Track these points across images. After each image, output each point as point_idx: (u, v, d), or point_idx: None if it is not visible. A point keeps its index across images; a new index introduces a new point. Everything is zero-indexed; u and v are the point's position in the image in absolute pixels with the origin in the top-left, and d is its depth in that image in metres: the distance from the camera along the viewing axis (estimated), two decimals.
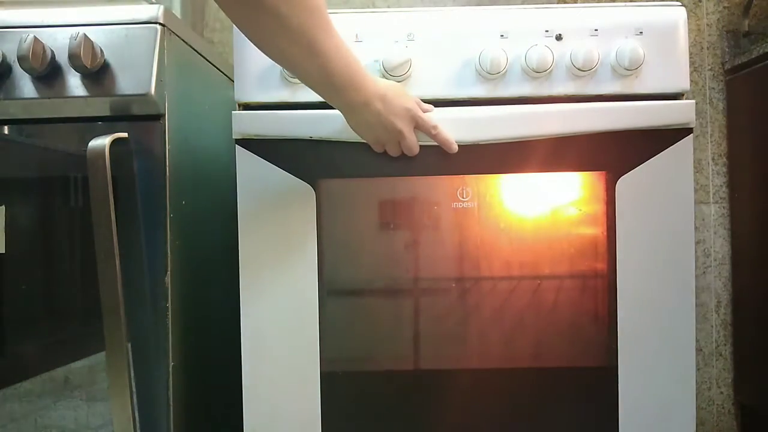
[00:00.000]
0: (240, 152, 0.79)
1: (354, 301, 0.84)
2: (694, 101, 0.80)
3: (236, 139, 0.79)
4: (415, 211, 0.82)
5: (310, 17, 0.61)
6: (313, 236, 0.80)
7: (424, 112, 0.76)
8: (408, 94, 0.74)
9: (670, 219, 0.79)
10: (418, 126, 0.75)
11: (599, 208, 0.81)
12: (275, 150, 0.79)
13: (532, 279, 0.82)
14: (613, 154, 0.79)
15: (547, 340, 0.82)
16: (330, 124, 0.77)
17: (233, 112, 0.79)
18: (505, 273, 0.83)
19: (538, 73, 0.78)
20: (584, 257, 0.82)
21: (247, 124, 0.79)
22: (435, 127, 0.75)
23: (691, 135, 0.79)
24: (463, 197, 0.81)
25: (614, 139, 0.79)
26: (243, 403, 0.80)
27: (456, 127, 0.77)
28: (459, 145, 0.77)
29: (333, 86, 0.66)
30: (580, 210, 0.82)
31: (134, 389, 0.76)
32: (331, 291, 0.81)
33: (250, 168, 0.79)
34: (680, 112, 0.79)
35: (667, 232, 0.79)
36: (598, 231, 0.81)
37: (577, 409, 0.81)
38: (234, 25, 0.79)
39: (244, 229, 0.80)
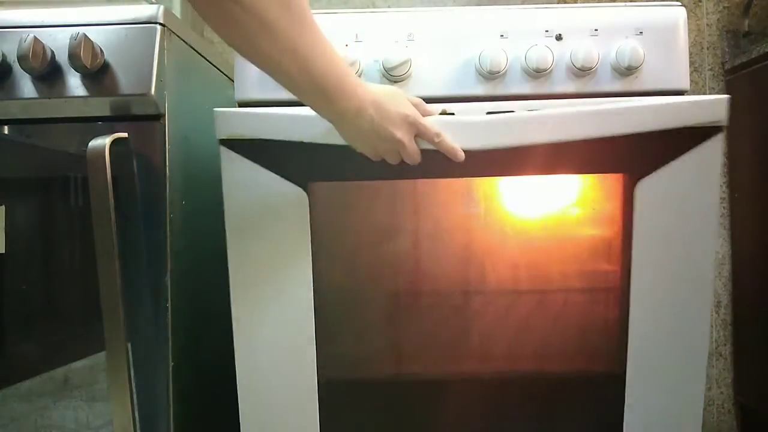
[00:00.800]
0: (225, 154, 0.74)
1: (351, 310, 0.81)
2: (727, 96, 0.72)
3: (220, 140, 0.74)
4: (416, 217, 0.80)
5: (292, 18, 0.56)
6: (306, 243, 0.76)
7: (425, 115, 0.70)
8: (405, 99, 0.68)
9: (692, 225, 0.75)
10: (419, 134, 0.69)
11: (616, 212, 0.77)
12: (263, 151, 0.74)
13: (540, 287, 0.80)
14: (633, 155, 0.74)
15: (555, 345, 0.80)
16: (322, 124, 0.72)
17: (215, 109, 0.75)
18: (512, 281, 0.80)
19: (538, 73, 0.78)
20: (598, 262, 0.80)
21: (231, 123, 0.74)
22: (438, 135, 0.69)
23: (722, 134, 0.73)
24: (468, 201, 0.79)
25: (635, 140, 0.73)
26: (239, 411, 0.78)
27: (466, 133, 0.71)
28: (466, 150, 0.71)
29: (321, 93, 0.61)
30: (595, 212, 0.79)
31: (134, 389, 0.76)
32: (326, 300, 0.78)
33: (236, 171, 0.74)
34: (711, 109, 0.72)
35: (688, 238, 0.75)
36: (613, 235, 0.78)
37: (583, 416, 0.80)
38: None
39: (232, 238, 0.75)
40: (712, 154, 0.74)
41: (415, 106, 0.69)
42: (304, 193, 0.76)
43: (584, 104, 0.75)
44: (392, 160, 0.70)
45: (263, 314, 0.77)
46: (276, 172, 0.75)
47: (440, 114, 0.74)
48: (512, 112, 0.75)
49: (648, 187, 0.75)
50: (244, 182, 0.75)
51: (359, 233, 0.81)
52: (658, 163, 0.74)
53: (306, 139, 0.74)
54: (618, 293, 0.78)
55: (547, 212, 0.80)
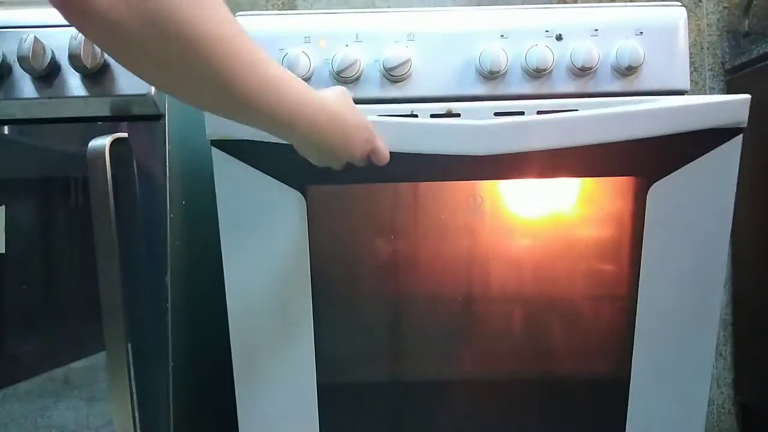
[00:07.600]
0: (217, 155, 0.71)
1: (352, 313, 0.80)
2: (748, 96, 0.69)
3: (212, 141, 0.71)
4: (420, 221, 0.79)
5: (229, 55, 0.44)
6: (304, 248, 0.73)
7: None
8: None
9: (705, 230, 0.71)
10: (372, 152, 0.61)
11: (626, 215, 0.74)
12: (258, 153, 0.70)
13: (546, 290, 0.77)
14: (648, 157, 0.70)
15: (559, 349, 0.79)
16: None
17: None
18: (516, 284, 0.78)
19: (538, 73, 0.78)
20: (605, 265, 0.78)
21: (223, 122, 0.67)
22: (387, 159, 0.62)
23: (741, 135, 0.70)
24: (472, 204, 0.76)
25: (650, 142, 0.69)
26: (237, 413, 0.78)
27: (476, 138, 0.68)
28: (475, 156, 0.68)
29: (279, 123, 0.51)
30: (605, 214, 0.77)
31: (134, 389, 0.76)
32: (326, 305, 0.76)
33: (230, 174, 0.71)
34: (732, 110, 0.69)
35: (699, 244, 0.72)
36: (622, 238, 0.75)
37: (585, 419, 0.79)
38: None
39: (227, 243, 0.73)
40: (730, 156, 0.70)
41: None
42: (302, 197, 0.73)
43: (592, 105, 0.72)
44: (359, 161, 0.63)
45: (260, 321, 0.76)
46: (272, 175, 0.72)
47: (446, 114, 0.72)
48: (521, 113, 0.72)
49: (661, 191, 0.72)
50: (239, 186, 0.72)
51: (358, 239, 0.80)
52: (673, 166, 0.71)
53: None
54: (626, 297, 0.76)
55: (554, 214, 0.78)
